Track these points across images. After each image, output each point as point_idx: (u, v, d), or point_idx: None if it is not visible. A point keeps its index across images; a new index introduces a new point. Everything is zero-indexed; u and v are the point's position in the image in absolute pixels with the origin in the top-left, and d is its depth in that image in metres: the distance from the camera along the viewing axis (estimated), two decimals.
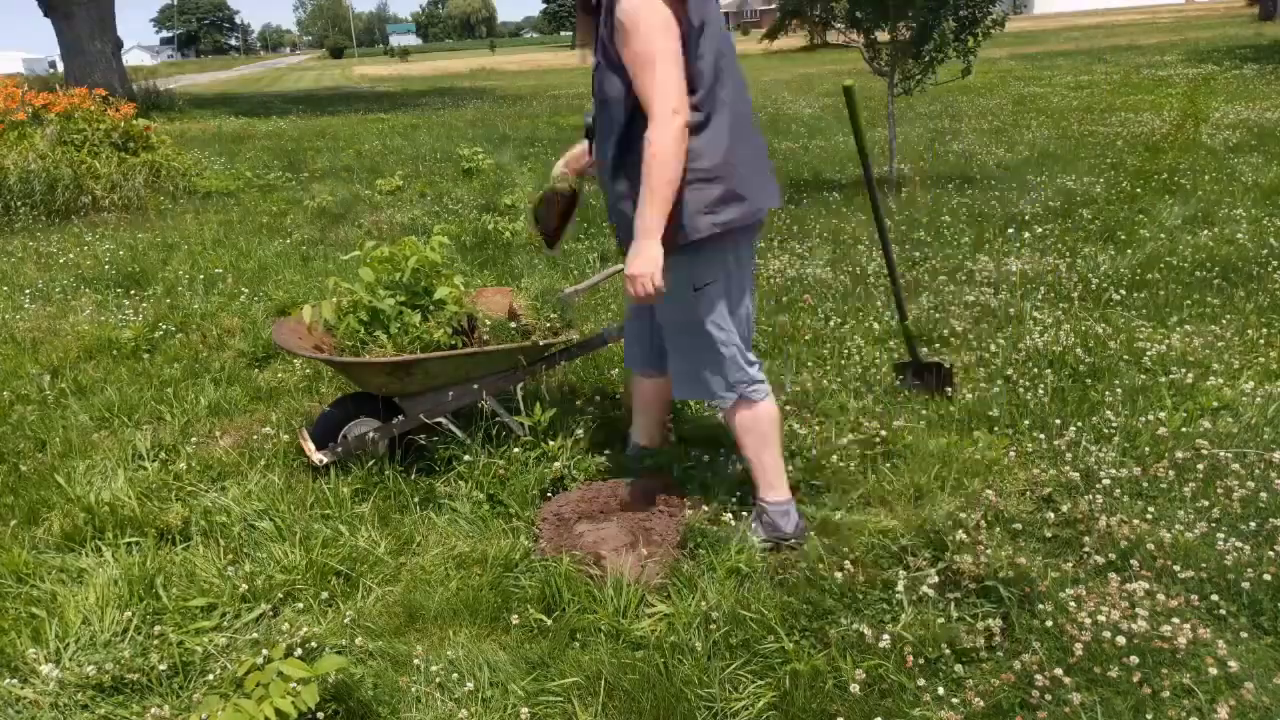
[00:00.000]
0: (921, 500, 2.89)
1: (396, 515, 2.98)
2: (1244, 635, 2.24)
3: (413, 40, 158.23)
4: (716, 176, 2.43)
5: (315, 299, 3.67)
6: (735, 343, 2.62)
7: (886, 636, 2.24)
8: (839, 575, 2.46)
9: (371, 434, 3.17)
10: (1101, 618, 2.24)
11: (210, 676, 2.24)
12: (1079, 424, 3.31)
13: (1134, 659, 2.11)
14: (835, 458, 3.12)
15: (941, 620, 2.31)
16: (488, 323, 3.32)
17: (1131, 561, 2.50)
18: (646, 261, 2.37)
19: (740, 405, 2.67)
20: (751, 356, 2.68)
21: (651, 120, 2.30)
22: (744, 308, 2.64)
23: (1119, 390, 3.57)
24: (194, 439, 3.65)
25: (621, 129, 2.45)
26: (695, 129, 2.38)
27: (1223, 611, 2.31)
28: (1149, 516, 2.70)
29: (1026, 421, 3.37)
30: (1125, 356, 3.93)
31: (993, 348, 4.09)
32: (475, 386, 3.18)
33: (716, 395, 2.68)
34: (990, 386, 3.68)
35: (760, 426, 2.68)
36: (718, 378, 2.65)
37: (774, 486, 2.71)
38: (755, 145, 2.58)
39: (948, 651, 2.22)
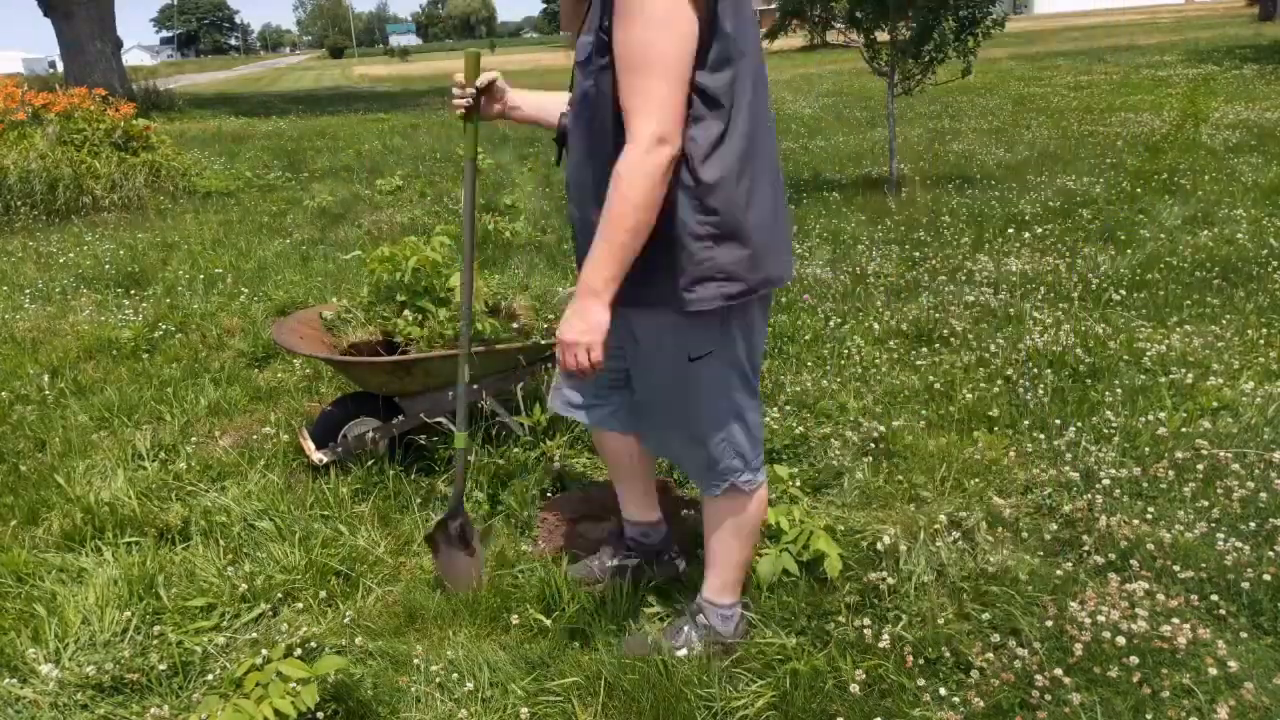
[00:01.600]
0: (921, 500, 2.89)
1: (396, 515, 2.98)
2: (1244, 635, 2.24)
3: (412, 40, 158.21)
4: (733, 232, 1.88)
5: (316, 301, 3.67)
6: (736, 421, 2.10)
7: (886, 636, 2.24)
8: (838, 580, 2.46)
9: (371, 434, 3.17)
10: (1101, 618, 2.24)
11: (210, 676, 2.24)
12: (1079, 424, 3.31)
13: (1134, 659, 2.11)
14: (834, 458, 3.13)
15: (941, 620, 2.31)
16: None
17: (1131, 561, 2.50)
18: (587, 329, 1.84)
19: (729, 494, 2.17)
20: (757, 436, 2.16)
21: (629, 141, 1.75)
22: (753, 380, 2.10)
23: (1119, 390, 3.57)
24: (194, 439, 3.65)
25: (611, 142, 1.84)
26: (710, 165, 1.83)
27: (1223, 611, 2.31)
28: (1149, 516, 2.70)
29: (1026, 421, 3.37)
30: (1125, 356, 3.93)
31: (993, 348, 4.09)
32: (475, 386, 3.18)
33: (704, 481, 2.18)
34: (990, 386, 3.68)
35: (745, 523, 2.23)
36: (706, 460, 2.14)
37: (729, 588, 2.30)
38: (778, 196, 2.02)
39: (947, 653, 2.22)
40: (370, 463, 3.13)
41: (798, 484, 2.92)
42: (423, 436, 3.25)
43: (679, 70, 1.75)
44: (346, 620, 2.47)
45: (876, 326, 4.50)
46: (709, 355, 2.00)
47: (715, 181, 1.84)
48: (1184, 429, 3.22)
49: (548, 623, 2.42)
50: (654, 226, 1.80)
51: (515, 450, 3.13)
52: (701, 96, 1.81)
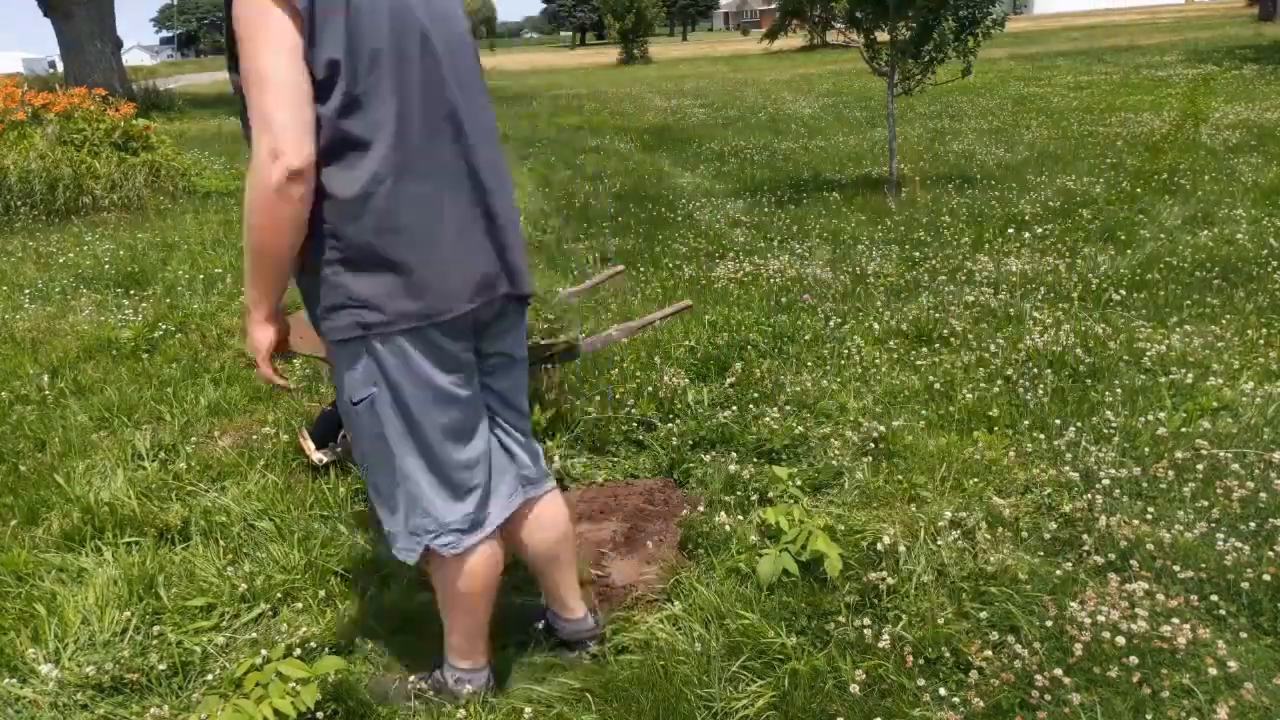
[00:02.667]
0: (921, 500, 2.89)
1: None
2: (1244, 635, 2.24)
3: None
4: (368, 258, 1.77)
5: None
6: (415, 477, 1.91)
7: (886, 636, 2.24)
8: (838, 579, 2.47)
9: None
10: (1101, 618, 2.24)
11: (210, 676, 2.24)
12: (1079, 424, 3.31)
13: (1134, 659, 2.11)
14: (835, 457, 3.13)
15: (941, 620, 2.31)
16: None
17: (1131, 561, 2.49)
18: (249, 344, 1.87)
19: (430, 556, 1.99)
20: (454, 499, 1.94)
21: (251, 159, 1.66)
22: (438, 429, 1.89)
23: (1119, 390, 3.57)
24: (194, 439, 3.65)
25: None
26: (336, 185, 1.72)
27: (1222, 611, 2.31)
28: (1149, 516, 2.70)
29: (1026, 421, 3.37)
30: (1125, 357, 3.93)
31: (993, 348, 4.09)
32: None
33: (392, 540, 2.00)
34: (990, 386, 3.68)
35: (452, 592, 2.05)
36: (393, 515, 1.97)
37: (457, 652, 2.14)
38: (461, 211, 1.84)
39: (947, 653, 2.22)
40: None
41: (798, 484, 2.92)
42: None
43: (290, 84, 1.65)
44: (346, 620, 2.47)
45: (876, 326, 4.50)
46: (366, 399, 1.85)
47: (344, 201, 1.73)
48: (1184, 429, 3.22)
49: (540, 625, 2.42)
50: (300, 246, 1.76)
51: None
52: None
